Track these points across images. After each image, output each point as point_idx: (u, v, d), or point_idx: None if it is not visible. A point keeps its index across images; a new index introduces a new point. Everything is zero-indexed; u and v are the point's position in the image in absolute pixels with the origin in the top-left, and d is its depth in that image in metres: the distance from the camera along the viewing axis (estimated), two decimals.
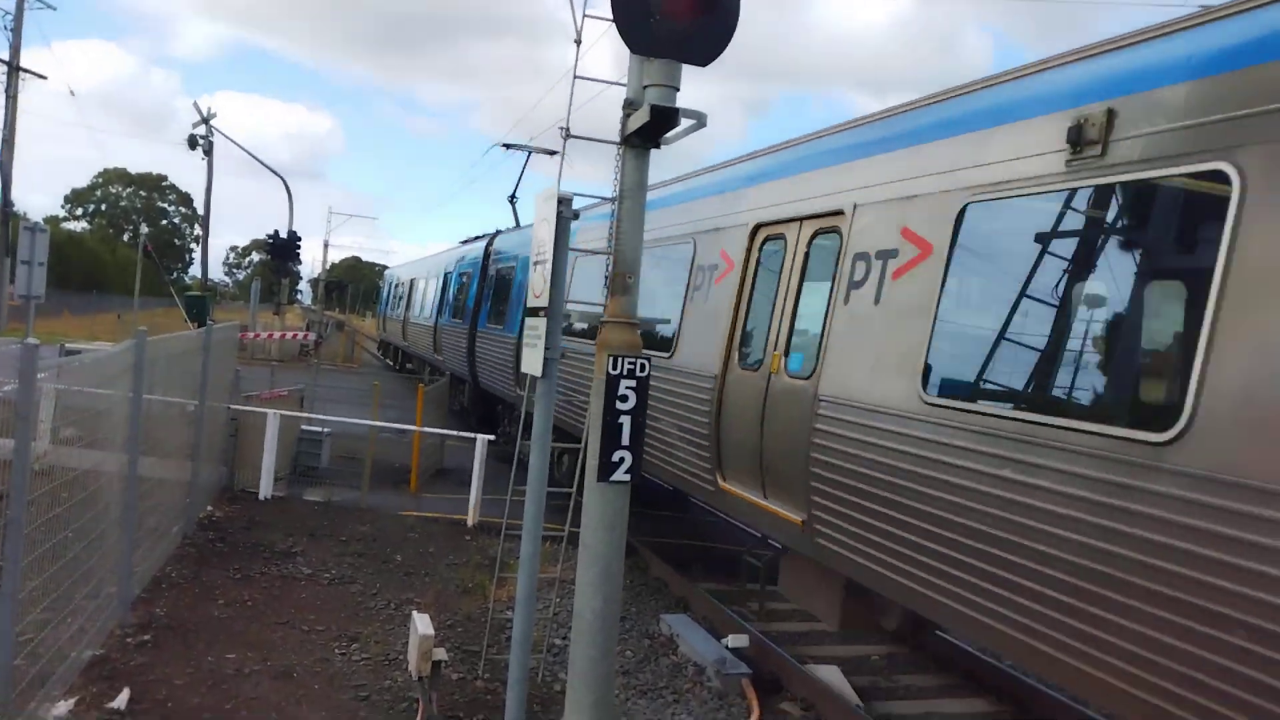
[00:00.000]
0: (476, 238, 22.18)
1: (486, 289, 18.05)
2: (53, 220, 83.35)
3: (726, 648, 7.56)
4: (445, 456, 15.44)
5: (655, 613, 8.87)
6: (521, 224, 19.82)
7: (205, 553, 9.32)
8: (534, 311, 5.15)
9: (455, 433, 14.27)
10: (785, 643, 8.11)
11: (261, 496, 11.86)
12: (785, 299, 7.32)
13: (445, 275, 22.89)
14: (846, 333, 6.35)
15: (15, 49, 36.03)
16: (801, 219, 7.32)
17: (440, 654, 6.13)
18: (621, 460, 4.85)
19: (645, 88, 4.93)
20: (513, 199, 21.43)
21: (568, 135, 6.12)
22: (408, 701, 6.37)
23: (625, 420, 4.88)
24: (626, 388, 4.90)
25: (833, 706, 6.80)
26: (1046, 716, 7.03)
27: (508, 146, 21.07)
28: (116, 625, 7.04)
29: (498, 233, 19.81)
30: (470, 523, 11.58)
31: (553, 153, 20.59)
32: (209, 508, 10.95)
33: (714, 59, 4.94)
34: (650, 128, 4.92)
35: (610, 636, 4.95)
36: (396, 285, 33.86)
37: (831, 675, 7.30)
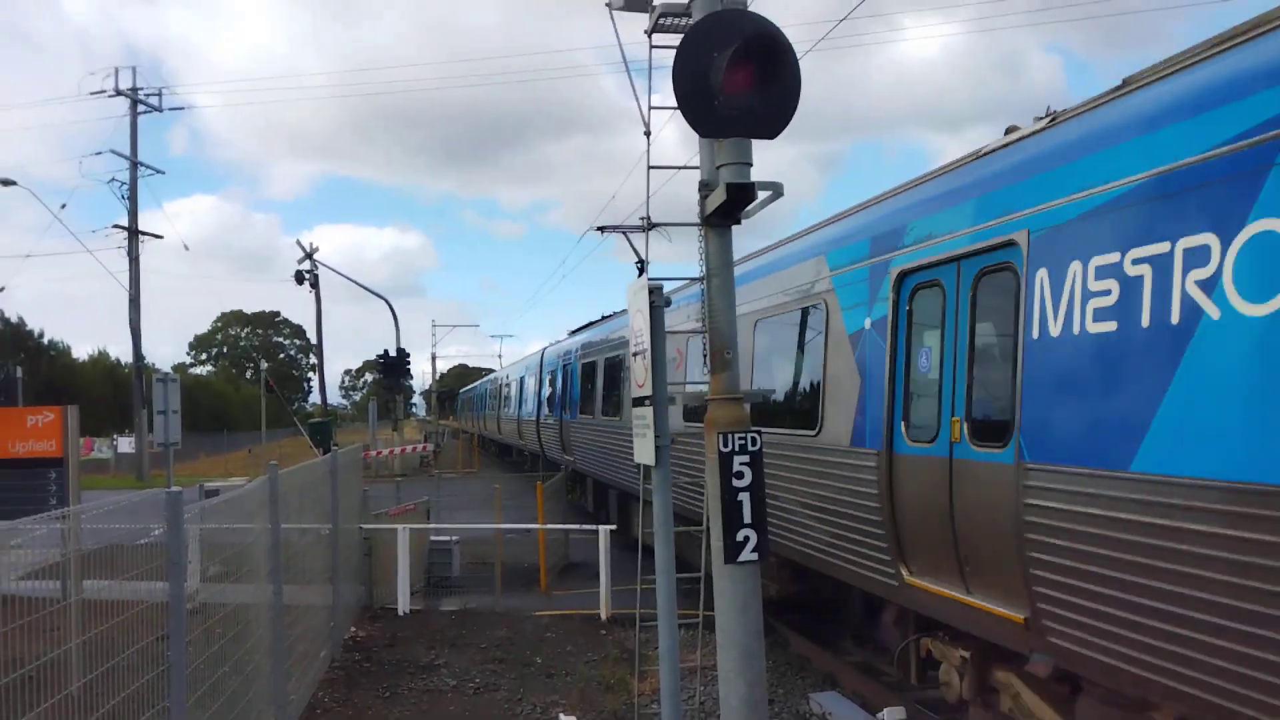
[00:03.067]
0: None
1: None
2: (180, 367, 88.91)
3: None
4: (570, 551, 15.52)
5: (803, 692, 8.60)
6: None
7: (353, 673, 9.52)
8: (640, 401, 5.20)
9: (577, 527, 14.35)
10: (945, 710, 7.73)
11: (400, 611, 12.10)
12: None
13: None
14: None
15: (133, 214, 39.05)
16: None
17: None
18: (747, 539, 4.79)
19: (718, 167, 5.02)
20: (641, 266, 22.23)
21: (649, 225, 6.25)
22: None
23: (744, 497, 4.84)
24: (741, 464, 4.86)
25: None
26: None
27: (602, 230, 21.87)
28: None
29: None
30: (603, 616, 11.54)
31: (643, 229, 21.10)
32: (352, 628, 11.22)
33: (781, 130, 4.99)
34: (728, 206, 4.98)
35: None
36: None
37: None
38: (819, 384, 8.00)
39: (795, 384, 8.86)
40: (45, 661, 4.33)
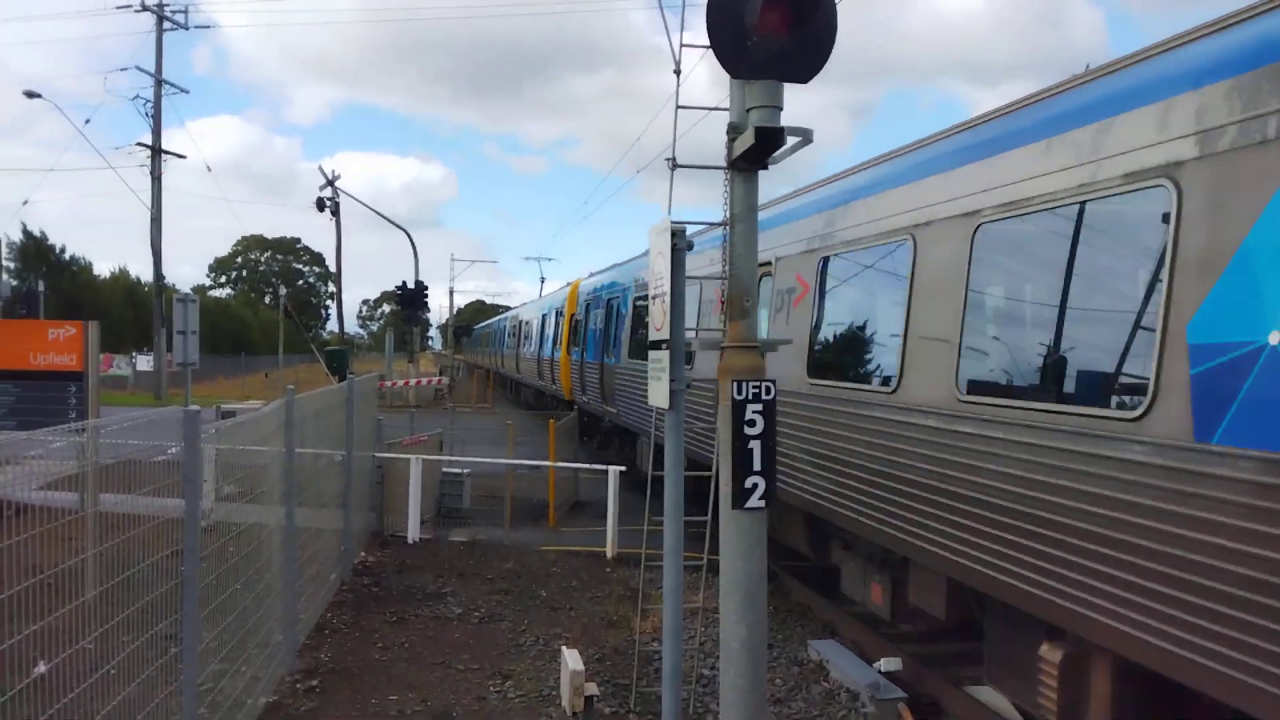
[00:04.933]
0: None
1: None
2: (200, 289, 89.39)
3: (879, 672, 7.35)
4: (580, 489, 15.66)
5: (802, 639, 8.72)
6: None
7: (362, 598, 9.71)
8: (656, 344, 5.18)
9: (587, 466, 14.47)
10: (941, 664, 7.82)
11: (410, 540, 12.29)
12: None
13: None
14: None
15: (156, 133, 38.98)
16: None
17: (592, 689, 6.20)
18: (755, 486, 4.81)
19: (748, 110, 4.92)
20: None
21: (674, 165, 6.17)
22: None
23: (755, 445, 4.84)
24: (754, 412, 4.85)
25: None
26: None
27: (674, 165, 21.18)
28: (286, 672, 7.40)
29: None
30: (610, 554, 11.69)
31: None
32: (362, 553, 11.41)
33: (815, 74, 4.88)
34: (756, 150, 4.89)
35: (759, 666, 4.90)
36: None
37: (993, 696, 7.00)
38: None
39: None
40: (62, 570, 4.42)
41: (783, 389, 6.57)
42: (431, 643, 8.42)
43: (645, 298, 15.00)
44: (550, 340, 25.19)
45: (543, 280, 42.46)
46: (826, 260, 8.30)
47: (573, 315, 22.15)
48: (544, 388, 27.10)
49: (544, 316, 27.46)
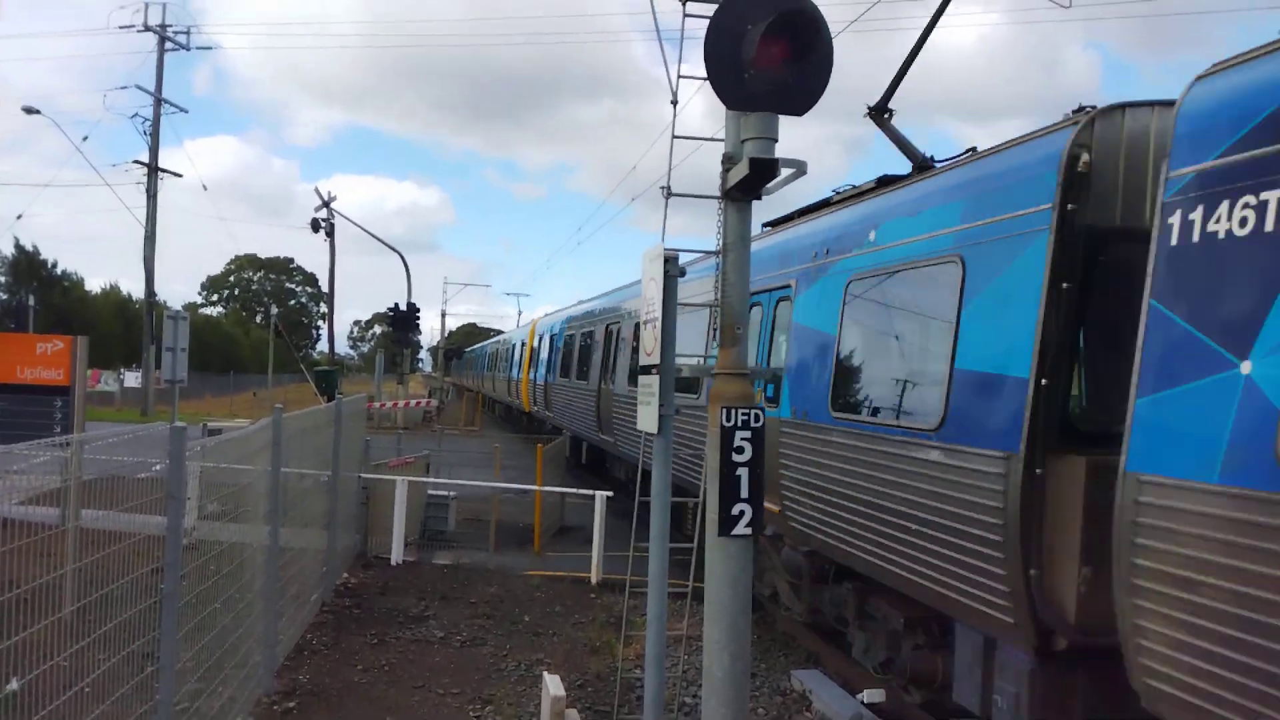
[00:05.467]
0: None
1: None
2: (191, 307, 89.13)
3: (862, 703, 7.31)
4: (566, 514, 15.60)
5: (786, 669, 8.67)
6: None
7: (343, 619, 9.62)
8: (646, 369, 5.20)
9: (574, 490, 14.42)
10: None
11: (394, 561, 12.20)
12: None
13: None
14: None
15: (154, 151, 38.99)
16: None
17: (573, 716, 6.14)
18: (742, 513, 4.80)
19: (743, 141, 4.97)
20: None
21: (669, 194, 6.21)
22: None
23: (743, 472, 4.84)
24: (742, 439, 4.86)
25: None
26: None
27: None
28: (263, 693, 7.31)
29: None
30: (594, 580, 11.63)
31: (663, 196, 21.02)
32: (345, 574, 11.32)
33: (810, 108, 4.95)
34: (750, 180, 4.94)
35: (741, 695, 4.87)
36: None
37: None
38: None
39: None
40: (40, 584, 4.38)
41: None
42: (412, 666, 8.34)
43: (574, 334, 20.04)
44: (516, 365, 31.72)
45: (520, 313, 45.59)
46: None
47: (532, 346, 27.35)
48: (511, 402, 34.50)
49: (512, 347, 34.46)
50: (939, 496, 5.72)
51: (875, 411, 6.98)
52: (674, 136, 6.61)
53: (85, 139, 45.32)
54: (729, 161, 5.13)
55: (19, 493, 5.13)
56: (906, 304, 6.79)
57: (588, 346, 18.64)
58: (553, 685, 6.23)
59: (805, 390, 8.06)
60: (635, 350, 17.43)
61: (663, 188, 6.52)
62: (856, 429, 7.01)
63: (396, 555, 12.29)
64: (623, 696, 7.47)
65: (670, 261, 5.03)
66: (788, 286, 8.80)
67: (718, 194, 5.29)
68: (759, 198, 5.26)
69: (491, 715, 7.26)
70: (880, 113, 8.57)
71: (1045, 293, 4.99)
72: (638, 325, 22.18)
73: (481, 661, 8.56)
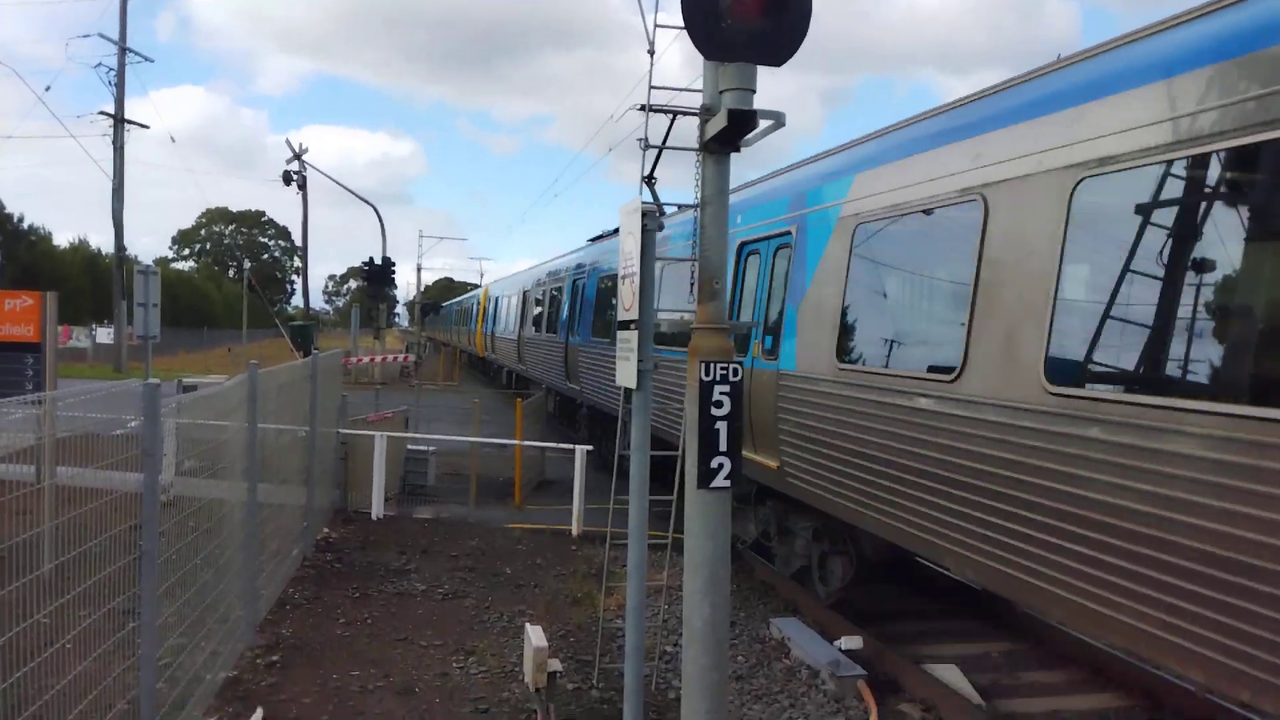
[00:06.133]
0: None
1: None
2: (162, 261, 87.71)
3: (840, 650, 7.45)
4: (546, 468, 15.67)
5: (764, 617, 8.81)
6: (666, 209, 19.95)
7: (324, 573, 9.66)
8: (625, 324, 5.19)
9: (554, 445, 14.47)
10: (900, 642, 7.95)
11: (374, 516, 12.24)
12: None
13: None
14: None
15: (119, 101, 38.12)
16: None
17: (555, 665, 6.21)
18: (720, 466, 4.83)
19: (721, 92, 4.91)
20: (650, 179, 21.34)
21: (646, 146, 6.16)
22: (526, 713, 6.48)
23: (721, 426, 4.86)
24: (720, 393, 4.88)
25: (953, 706, 6.64)
26: (1178, 710, 6.72)
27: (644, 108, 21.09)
28: (246, 647, 7.35)
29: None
30: (575, 533, 11.72)
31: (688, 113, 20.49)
32: (325, 529, 11.35)
33: (788, 58, 4.88)
34: (728, 132, 4.89)
35: (721, 644, 4.94)
36: (503, 299, 36.38)
37: (950, 674, 7.13)
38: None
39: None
40: (17, 542, 4.35)
41: None
42: (394, 619, 8.40)
43: (507, 296, 27.91)
44: (473, 319, 40.08)
45: (482, 275, 47.86)
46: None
47: (484, 306, 35.70)
48: (470, 350, 42.85)
49: (470, 306, 43.27)
50: None
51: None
52: (651, 86, 6.53)
53: (48, 89, 44.24)
54: (707, 113, 5.08)
55: None
56: None
57: (519, 305, 25.89)
58: (535, 636, 6.29)
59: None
60: (539, 304, 22.27)
61: (639, 139, 6.46)
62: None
63: (377, 510, 12.33)
64: (604, 646, 7.58)
65: (648, 215, 4.99)
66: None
67: (695, 146, 5.24)
68: (738, 149, 5.21)
69: (474, 666, 7.34)
70: None
71: None
72: (552, 290, 21.23)
73: (464, 614, 8.64)
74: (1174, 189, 4.52)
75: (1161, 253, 4.58)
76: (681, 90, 6.26)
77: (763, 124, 4.95)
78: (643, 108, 6.22)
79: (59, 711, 4.36)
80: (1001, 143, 5.82)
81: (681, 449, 5.48)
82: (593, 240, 19.57)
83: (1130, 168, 4.72)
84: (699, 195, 5.24)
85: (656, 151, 6.36)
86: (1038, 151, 5.42)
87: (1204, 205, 4.43)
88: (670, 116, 6.22)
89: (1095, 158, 4.95)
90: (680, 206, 7.39)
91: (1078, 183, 5.06)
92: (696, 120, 5.19)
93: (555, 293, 20.21)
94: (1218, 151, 4.26)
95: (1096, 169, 4.94)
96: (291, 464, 9.48)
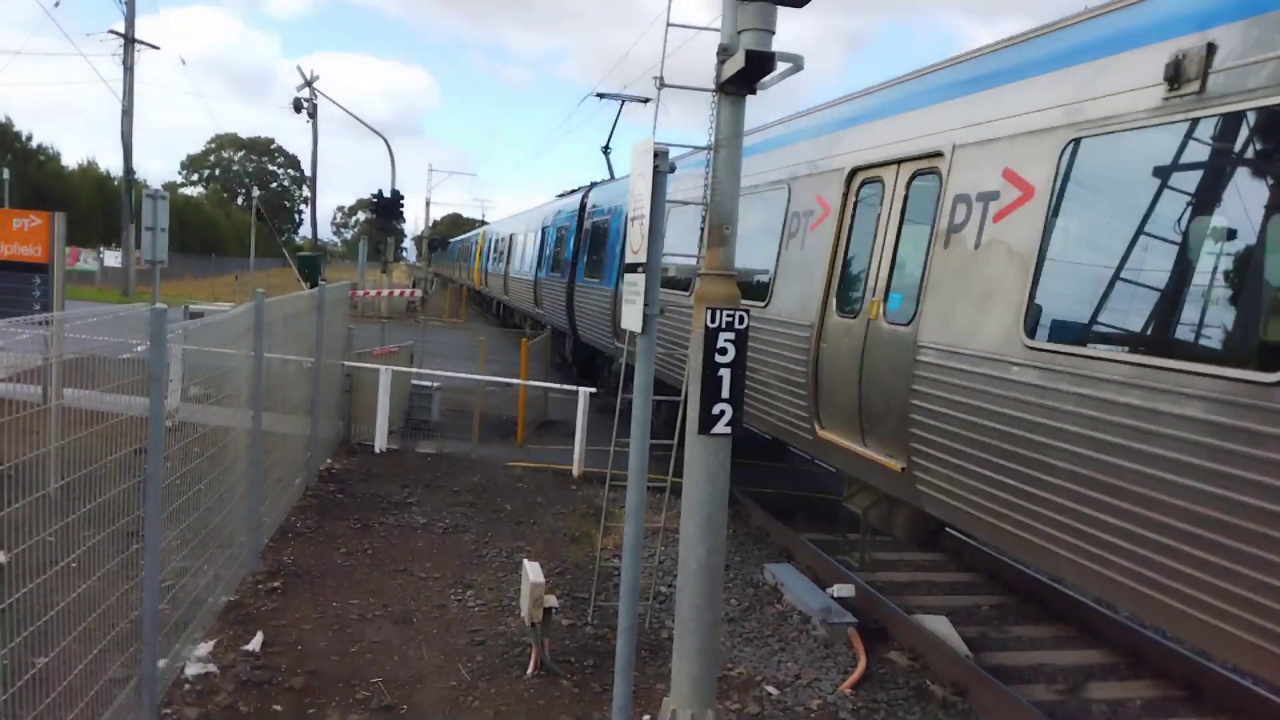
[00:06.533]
0: (571, 191, 22.21)
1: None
2: (171, 186, 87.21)
3: (832, 597, 7.55)
4: (549, 409, 15.74)
5: (759, 562, 8.92)
6: (616, 175, 19.98)
7: (326, 504, 9.78)
8: (632, 267, 5.16)
9: (558, 385, 14.52)
10: (891, 592, 8.05)
11: (377, 449, 12.34)
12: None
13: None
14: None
15: (130, 20, 37.52)
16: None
17: (551, 601, 6.31)
18: (722, 413, 4.85)
19: (739, 33, 4.84)
20: (606, 149, 21.44)
21: (662, 85, 6.06)
22: (521, 646, 6.60)
23: (725, 373, 4.87)
24: (726, 340, 4.87)
25: (941, 656, 6.74)
26: (1162, 666, 6.82)
27: (601, 96, 21.10)
28: (248, 573, 7.47)
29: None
30: (575, 473, 11.82)
31: (646, 100, 20.44)
32: (328, 460, 11.45)
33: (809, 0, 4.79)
34: (746, 74, 4.82)
35: (715, 586, 5.01)
36: (496, 240, 36.45)
37: (940, 625, 7.23)
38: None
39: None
40: (23, 461, 4.40)
41: None
42: (394, 550, 8.52)
43: (500, 239, 33.03)
44: (472, 257, 44.04)
45: (483, 215, 50.36)
46: None
47: (480, 246, 40.60)
48: (467, 283, 46.00)
49: (470, 245, 47.74)
50: None
51: None
52: (669, 24, 6.41)
53: (57, 4, 43.23)
54: (724, 54, 4.99)
55: (0, 370, 5.10)
56: None
57: (505, 247, 30.98)
58: (532, 572, 6.38)
59: None
60: (523, 247, 26.61)
61: (655, 78, 6.35)
62: None
63: (380, 443, 12.42)
64: (600, 584, 7.69)
65: (660, 156, 4.92)
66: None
67: (711, 87, 5.16)
68: (754, 92, 5.13)
69: (472, 599, 7.46)
70: None
71: None
72: (533, 235, 25.20)
73: (463, 548, 8.75)
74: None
75: None
76: (700, 29, 6.14)
77: (781, 66, 4.86)
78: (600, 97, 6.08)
79: (65, 628, 4.45)
80: None
81: (684, 395, 5.50)
82: (560, 196, 24.09)
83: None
84: (712, 138, 5.18)
85: (614, 121, 6.27)
86: None
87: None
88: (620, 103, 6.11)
89: None
90: (696, 148, 7.29)
91: None
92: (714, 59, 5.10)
93: (536, 237, 24.24)
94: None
95: None
96: (296, 394, 9.53)
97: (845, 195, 7.47)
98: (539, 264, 23.23)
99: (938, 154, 6.26)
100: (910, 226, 6.65)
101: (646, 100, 20.64)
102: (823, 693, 6.33)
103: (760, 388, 8.43)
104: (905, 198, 6.73)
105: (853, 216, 7.40)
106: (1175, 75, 4.44)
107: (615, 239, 15.62)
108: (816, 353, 7.49)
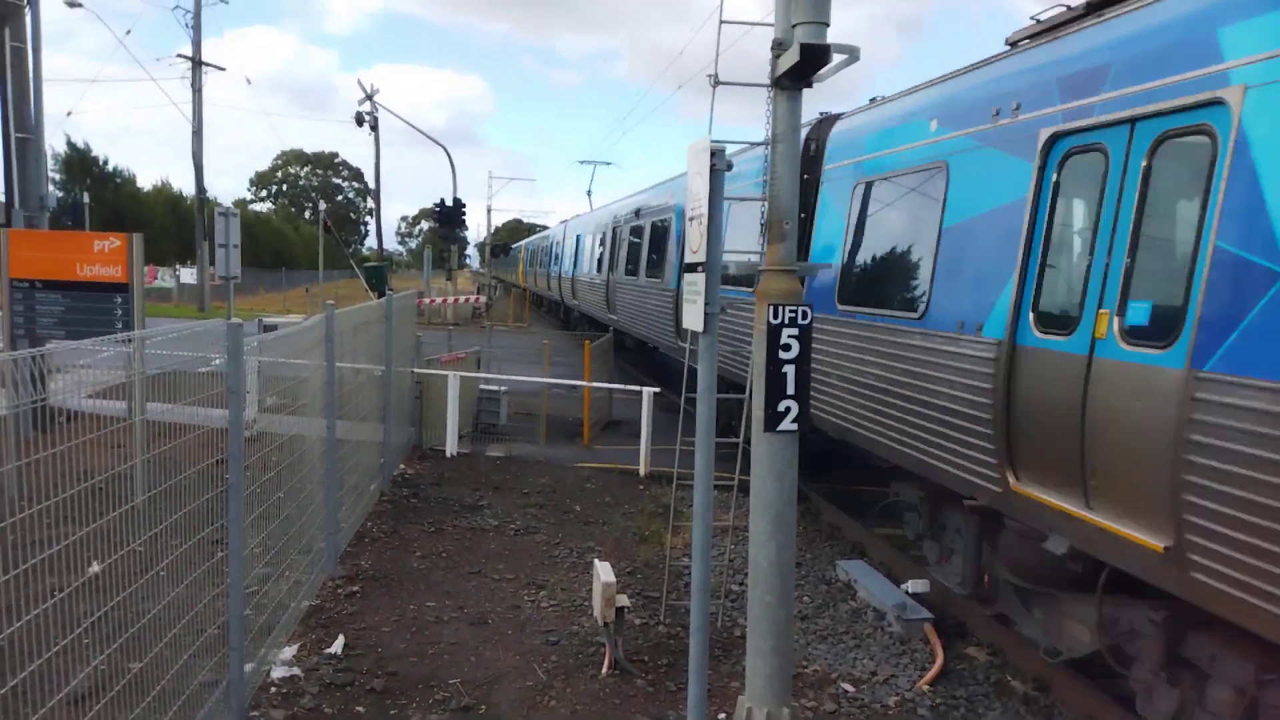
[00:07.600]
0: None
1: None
2: (240, 203, 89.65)
3: (907, 593, 7.45)
4: (613, 409, 15.81)
5: (831, 559, 8.83)
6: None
7: (401, 508, 9.96)
8: (692, 267, 5.15)
9: (622, 386, 14.58)
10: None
11: (448, 453, 12.53)
12: None
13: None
14: None
15: (196, 44, 38.71)
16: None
17: (623, 600, 6.34)
18: (788, 410, 4.81)
19: (793, 26, 4.79)
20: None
21: (716, 82, 6.04)
22: (595, 646, 6.64)
23: (789, 370, 4.83)
24: (789, 336, 4.84)
25: (1020, 650, 6.60)
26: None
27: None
28: (328, 578, 7.65)
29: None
30: (642, 472, 11.85)
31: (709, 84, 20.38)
32: (401, 466, 11.67)
33: None
34: (801, 68, 4.77)
35: (787, 584, 4.98)
36: (523, 255, 41.02)
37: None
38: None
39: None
40: (112, 475, 4.57)
41: None
42: (468, 553, 8.65)
43: (540, 249, 43.67)
44: (525, 264, 50.84)
45: (590, 193, 45.82)
46: None
47: (530, 253, 48.16)
48: (517, 285, 51.63)
49: (526, 254, 52.63)
50: None
51: None
52: (721, 21, 6.39)
53: (128, 33, 45.02)
54: (779, 48, 4.95)
55: (87, 387, 5.31)
56: None
57: (556, 252, 34.70)
58: (604, 572, 6.42)
59: None
60: (580, 250, 27.89)
61: (709, 76, 6.34)
62: None
63: (450, 447, 12.62)
64: (671, 583, 7.70)
65: (716, 155, 4.91)
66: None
67: (767, 83, 5.13)
68: (810, 86, 5.09)
69: (545, 600, 7.53)
70: None
71: None
72: (579, 236, 28.54)
73: (535, 548, 8.84)
74: None
75: None
76: (753, 25, 6.11)
77: (836, 58, 4.81)
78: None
79: (156, 634, 4.61)
80: None
81: (749, 392, 5.47)
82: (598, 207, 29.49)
83: None
84: (769, 133, 5.14)
85: (724, 89, 6.21)
86: None
87: None
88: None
89: None
90: (752, 144, 7.25)
91: None
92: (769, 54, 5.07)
93: (592, 240, 25.60)
94: None
95: None
96: (368, 402, 9.73)
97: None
98: (577, 265, 27.70)
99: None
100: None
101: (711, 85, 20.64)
102: (900, 689, 6.25)
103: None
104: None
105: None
106: None
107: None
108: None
